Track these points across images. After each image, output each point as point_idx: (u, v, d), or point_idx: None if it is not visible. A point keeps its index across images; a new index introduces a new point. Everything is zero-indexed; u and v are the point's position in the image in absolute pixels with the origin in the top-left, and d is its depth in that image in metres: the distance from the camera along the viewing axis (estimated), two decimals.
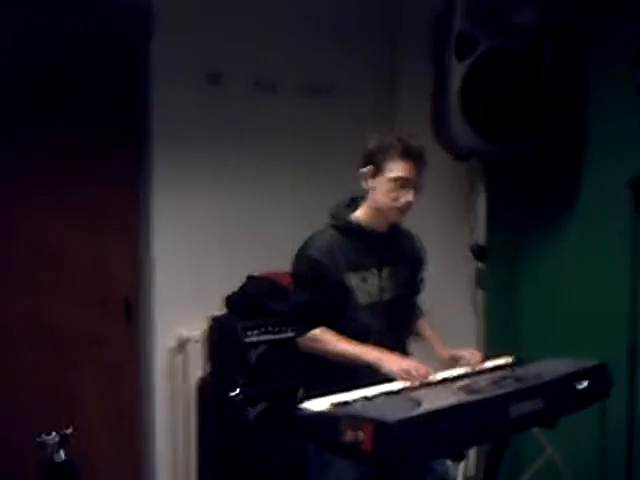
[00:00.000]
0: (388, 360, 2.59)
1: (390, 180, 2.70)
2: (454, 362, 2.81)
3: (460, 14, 3.58)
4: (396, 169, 2.69)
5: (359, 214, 2.82)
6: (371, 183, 2.75)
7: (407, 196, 2.72)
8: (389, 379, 2.54)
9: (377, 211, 2.78)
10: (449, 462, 2.79)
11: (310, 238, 2.79)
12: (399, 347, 2.80)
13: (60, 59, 3.60)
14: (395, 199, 2.72)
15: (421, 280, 3.07)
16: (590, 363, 2.60)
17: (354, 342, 2.66)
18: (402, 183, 2.70)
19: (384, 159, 2.70)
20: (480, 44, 3.61)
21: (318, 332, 2.69)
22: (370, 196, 2.78)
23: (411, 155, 2.69)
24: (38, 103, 3.59)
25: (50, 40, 3.56)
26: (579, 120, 3.98)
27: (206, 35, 3.86)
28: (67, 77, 3.62)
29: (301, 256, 2.76)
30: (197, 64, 3.86)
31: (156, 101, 3.78)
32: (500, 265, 4.31)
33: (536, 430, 3.67)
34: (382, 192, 2.73)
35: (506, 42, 3.64)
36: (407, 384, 2.50)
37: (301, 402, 2.34)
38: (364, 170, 2.75)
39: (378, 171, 2.72)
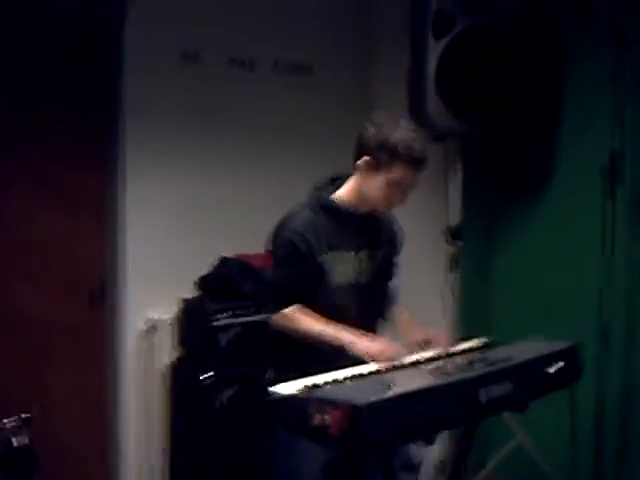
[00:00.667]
0: (361, 341, 2.56)
1: (389, 181, 2.63)
2: (425, 345, 2.77)
3: None
4: (398, 174, 2.61)
5: (341, 194, 2.77)
6: (365, 173, 2.68)
7: (401, 197, 2.69)
8: (361, 361, 2.50)
9: (362, 196, 2.72)
10: (419, 446, 2.76)
11: (288, 216, 2.73)
12: (372, 330, 2.76)
13: (32, 40, 3.51)
14: (389, 198, 2.68)
15: (397, 264, 3.03)
16: (562, 345, 2.60)
17: (328, 323, 2.63)
18: (400, 185, 2.65)
19: (387, 161, 2.61)
20: (457, 22, 3.58)
21: (292, 310, 2.65)
22: (359, 181, 2.71)
23: (417, 165, 2.63)
24: (9, 85, 3.50)
25: (22, 22, 3.47)
26: (554, 100, 3.97)
27: (180, 13, 3.78)
28: (39, 58, 3.53)
29: (278, 234, 2.71)
30: (171, 43, 3.78)
31: (129, 81, 3.69)
32: (474, 246, 4.29)
33: (506, 414, 3.66)
34: (376, 188, 2.66)
35: (484, 21, 3.62)
36: (378, 366, 2.47)
37: (271, 385, 2.31)
38: (364, 159, 2.65)
39: (378, 168, 2.64)
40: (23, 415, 2.19)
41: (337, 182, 2.81)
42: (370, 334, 2.65)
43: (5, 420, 2.13)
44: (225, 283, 3.71)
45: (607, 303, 3.60)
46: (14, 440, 2.09)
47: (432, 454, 3.71)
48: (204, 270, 3.77)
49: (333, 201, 2.75)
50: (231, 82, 3.98)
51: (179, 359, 3.75)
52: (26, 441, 2.11)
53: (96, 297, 3.77)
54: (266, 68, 4.09)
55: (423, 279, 4.10)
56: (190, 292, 3.76)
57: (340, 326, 2.62)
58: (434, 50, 3.57)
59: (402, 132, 2.61)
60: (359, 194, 2.73)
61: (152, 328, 3.77)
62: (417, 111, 3.67)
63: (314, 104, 4.23)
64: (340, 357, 2.52)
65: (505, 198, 4.28)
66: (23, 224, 3.56)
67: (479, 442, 3.95)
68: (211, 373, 3.50)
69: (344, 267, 2.73)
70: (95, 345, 3.79)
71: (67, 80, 3.61)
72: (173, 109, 3.81)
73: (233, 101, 3.98)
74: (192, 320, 3.69)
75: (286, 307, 2.66)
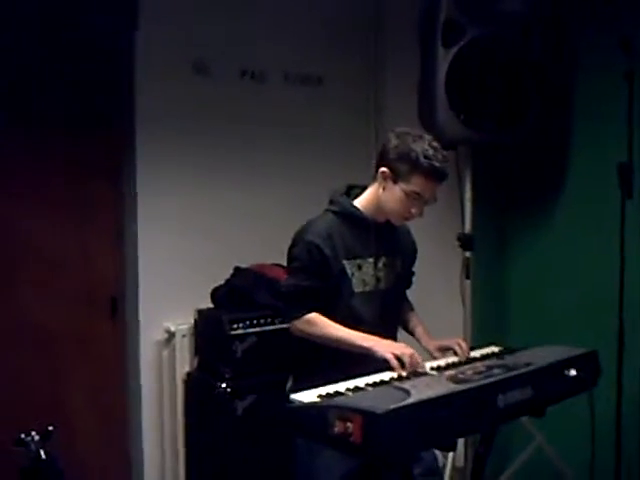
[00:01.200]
0: (383, 346, 2.58)
1: (408, 193, 2.67)
2: (442, 353, 2.80)
3: (447, 2, 3.56)
4: (416, 185, 2.65)
5: (359, 203, 2.80)
6: (384, 184, 2.71)
7: (418, 210, 2.71)
8: (381, 368, 2.52)
9: (379, 206, 2.76)
10: (438, 452, 2.77)
11: (309, 222, 2.76)
12: (390, 336, 2.78)
13: (44, 50, 3.54)
14: (406, 210, 2.71)
15: (412, 273, 3.06)
16: (580, 351, 2.60)
17: (349, 328, 2.65)
18: (418, 197, 2.68)
19: (407, 171, 2.64)
20: (467, 32, 3.59)
21: (314, 316, 2.67)
22: (377, 191, 2.75)
23: (436, 177, 2.66)
24: (21, 95, 3.53)
25: (35, 30, 3.50)
26: (566, 107, 3.98)
27: (192, 25, 3.82)
28: (51, 69, 3.56)
29: (299, 240, 2.73)
30: (183, 54, 3.81)
31: (141, 93, 3.72)
32: (488, 254, 4.31)
33: (525, 419, 3.66)
34: (394, 199, 2.70)
35: (493, 30, 3.63)
36: (396, 374, 2.48)
37: (290, 394, 2.33)
38: (383, 170, 2.69)
39: (397, 178, 2.67)
40: (44, 429, 2.19)
41: (354, 192, 2.85)
42: (390, 340, 2.68)
43: (33, 432, 2.14)
44: (240, 293, 3.74)
45: (624, 310, 3.60)
46: (42, 453, 2.10)
47: (452, 460, 3.71)
48: (220, 281, 3.80)
49: (355, 208, 2.78)
50: (242, 94, 4.00)
51: (196, 369, 3.77)
52: (49, 456, 2.12)
53: (112, 310, 3.79)
54: (277, 80, 4.11)
55: (438, 287, 4.12)
56: (206, 303, 3.79)
57: (361, 331, 2.65)
58: (444, 59, 3.58)
59: (424, 144, 2.65)
60: (377, 204, 2.76)
61: (169, 339, 3.79)
62: (427, 119, 3.69)
63: (324, 115, 4.25)
64: (360, 364, 2.54)
65: (518, 205, 4.29)
66: (37, 238, 3.59)
67: (499, 447, 3.96)
68: (225, 384, 3.51)
69: (364, 274, 2.76)
70: (112, 356, 3.81)
71: (80, 92, 3.64)
72: (185, 120, 3.83)
73: (244, 112, 4.00)
74: (208, 330, 3.71)
75: (308, 313, 2.68)
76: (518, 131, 3.74)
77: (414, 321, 2.99)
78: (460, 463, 3.92)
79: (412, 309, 3.06)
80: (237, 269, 3.82)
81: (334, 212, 2.78)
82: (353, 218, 2.76)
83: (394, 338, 2.87)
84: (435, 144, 2.66)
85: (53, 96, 3.60)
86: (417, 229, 3.04)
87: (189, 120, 3.84)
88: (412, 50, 3.79)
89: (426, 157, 2.61)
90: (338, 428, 2.05)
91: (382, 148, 2.73)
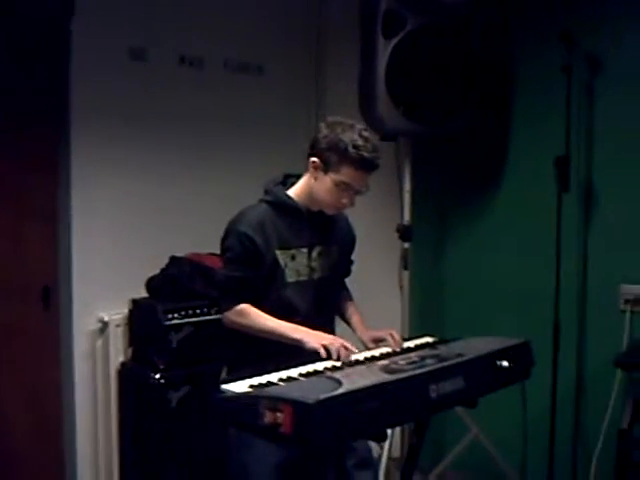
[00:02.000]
0: (313, 336, 2.57)
1: (338, 183, 2.64)
2: (375, 344, 2.79)
3: None
4: (346, 176, 2.62)
5: (293, 192, 2.77)
6: (315, 174, 2.69)
7: (349, 200, 2.69)
8: (313, 360, 2.50)
9: (311, 196, 2.74)
10: (372, 443, 2.77)
11: (242, 212, 2.73)
12: (326, 327, 2.76)
13: None
14: (337, 200, 2.69)
15: (351, 262, 3.05)
16: (513, 342, 2.61)
17: (281, 319, 2.64)
18: (348, 188, 2.66)
19: (336, 162, 2.62)
20: (407, 22, 3.59)
21: (245, 307, 2.65)
22: (309, 181, 2.73)
23: (365, 168, 2.63)
24: None
25: None
26: (505, 100, 4.01)
27: (128, 10, 3.73)
28: None
29: (232, 230, 2.70)
30: (119, 40, 3.72)
31: (76, 81, 3.62)
32: (426, 245, 4.33)
33: (460, 410, 3.69)
34: (325, 189, 2.68)
35: (433, 20, 3.63)
36: (329, 364, 2.47)
37: (223, 384, 2.29)
38: (314, 160, 2.67)
39: (327, 168, 2.65)
40: None
41: (290, 181, 2.83)
42: (323, 330, 2.65)
43: None
44: (175, 282, 3.69)
45: (560, 301, 3.65)
46: None
47: (386, 451, 3.72)
48: (154, 270, 3.74)
49: (288, 197, 2.75)
50: (180, 81, 3.93)
51: (130, 360, 3.71)
52: None
53: (45, 300, 3.70)
54: (216, 67, 4.05)
55: (377, 277, 4.13)
56: (140, 292, 3.73)
57: (294, 323, 2.64)
58: (384, 50, 3.58)
59: (353, 134, 2.61)
60: (309, 194, 2.74)
61: (102, 329, 3.72)
62: (367, 110, 3.68)
63: (264, 104, 4.21)
64: (294, 354, 2.53)
65: (455, 197, 4.33)
66: None
67: (435, 439, 4.01)
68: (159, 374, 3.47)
69: (297, 264, 2.74)
70: (45, 346, 3.71)
71: (12, 79, 3.52)
72: (120, 108, 3.75)
73: (182, 100, 3.93)
74: (142, 320, 3.65)
75: (239, 303, 2.65)
76: (457, 123, 3.76)
77: (350, 310, 2.98)
78: (396, 453, 3.94)
79: (350, 299, 3.04)
80: (173, 258, 3.77)
81: (267, 202, 2.75)
82: (286, 208, 2.74)
83: (331, 328, 2.86)
84: (365, 134, 2.64)
85: None
86: (356, 219, 3.02)
87: (125, 107, 3.76)
88: (353, 40, 3.78)
89: (355, 147, 2.58)
90: (268, 418, 2.03)
91: (313, 138, 2.71)
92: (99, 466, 3.76)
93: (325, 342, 2.54)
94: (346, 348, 2.54)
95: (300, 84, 4.37)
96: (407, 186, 3.91)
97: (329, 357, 2.51)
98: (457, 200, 4.32)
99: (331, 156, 2.62)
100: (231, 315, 2.67)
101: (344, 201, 2.69)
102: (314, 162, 2.67)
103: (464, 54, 3.71)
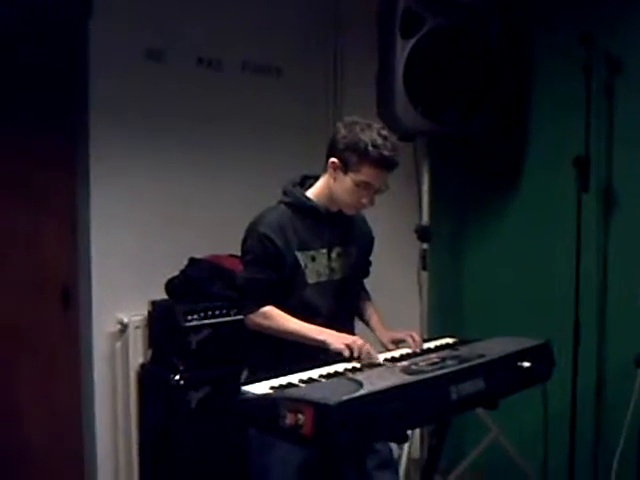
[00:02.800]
0: (336, 338, 2.57)
1: (358, 183, 2.64)
2: (395, 345, 2.78)
3: None
4: (366, 175, 2.62)
5: (312, 193, 2.77)
6: (334, 174, 2.68)
7: (370, 199, 2.69)
8: (334, 361, 2.50)
9: (331, 196, 2.74)
10: (393, 444, 2.76)
11: (261, 214, 2.73)
12: (346, 327, 2.76)
13: None
14: (357, 200, 2.69)
15: (369, 262, 3.04)
16: (533, 342, 2.60)
17: (303, 320, 2.63)
18: (368, 187, 2.65)
19: (356, 161, 2.61)
20: (426, 22, 3.58)
21: (269, 309, 2.65)
22: (328, 182, 2.72)
23: (385, 166, 2.63)
24: None
25: None
26: (524, 99, 3.99)
27: (147, 11, 3.75)
28: (2, 57, 3.47)
29: (252, 232, 2.70)
30: (137, 42, 3.74)
31: (95, 80, 3.64)
32: (445, 245, 4.32)
33: (480, 411, 3.67)
34: (344, 189, 2.67)
35: (452, 21, 3.62)
36: (349, 366, 2.47)
37: (243, 386, 2.29)
38: (333, 160, 2.66)
39: (346, 169, 2.64)
40: None
41: (308, 182, 2.82)
42: (344, 331, 2.65)
43: None
44: (195, 284, 3.69)
45: (580, 302, 3.62)
46: None
47: (406, 452, 3.71)
48: (175, 271, 3.75)
49: (307, 199, 2.75)
50: (198, 82, 3.94)
51: (150, 361, 3.72)
52: None
53: (64, 300, 3.72)
54: (234, 69, 4.06)
55: (395, 278, 4.11)
56: (160, 294, 3.74)
57: (316, 324, 2.64)
58: (402, 50, 3.57)
59: (372, 133, 2.61)
60: (329, 194, 2.73)
61: (122, 331, 3.73)
62: (385, 111, 3.67)
63: (283, 106, 4.21)
64: (316, 355, 2.54)
65: (474, 198, 4.31)
66: None
67: (455, 438, 3.99)
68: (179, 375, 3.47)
69: (317, 265, 2.73)
70: (65, 347, 3.74)
71: (32, 79, 3.55)
72: (139, 108, 3.76)
73: (200, 101, 3.94)
74: (162, 322, 3.66)
75: (260, 306, 2.65)
76: (476, 123, 3.75)
77: (370, 311, 2.98)
78: (416, 455, 3.93)
79: (369, 299, 3.04)
80: (192, 260, 3.78)
81: (286, 203, 2.75)
82: (305, 209, 2.74)
83: (351, 328, 2.85)
84: (384, 133, 2.64)
85: (7, 84, 3.50)
86: (375, 220, 3.02)
87: (144, 108, 3.78)
88: (371, 40, 3.76)
89: (375, 146, 2.58)
90: (289, 420, 2.02)
91: (331, 139, 2.70)
92: (119, 467, 3.78)
93: (349, 342, 2.53)
94: (367, 348, 2.54)
95: (318, 85, 4.36)
96: (425, 186, 3.91)
97: (352, 357, 2.51)
98: (476, 200, 4.31)
99: (351, 156, 2.62)
100: (255, 317, 2.67)
101: (364, 201, 2.68)
102: (333, 163, 2.67)
103: (483, 54, 3.69)
